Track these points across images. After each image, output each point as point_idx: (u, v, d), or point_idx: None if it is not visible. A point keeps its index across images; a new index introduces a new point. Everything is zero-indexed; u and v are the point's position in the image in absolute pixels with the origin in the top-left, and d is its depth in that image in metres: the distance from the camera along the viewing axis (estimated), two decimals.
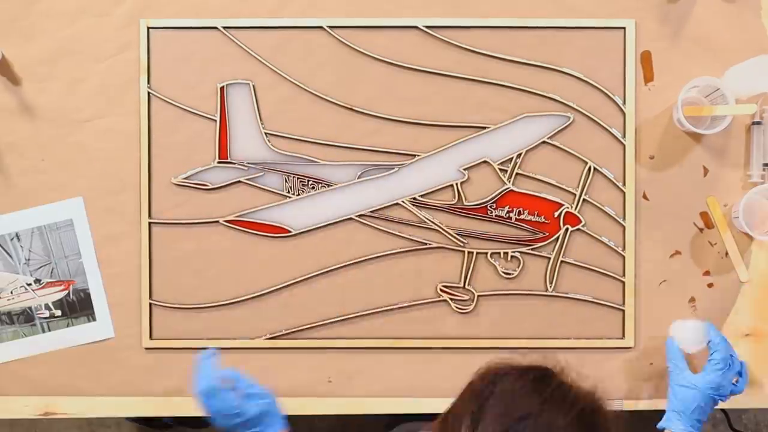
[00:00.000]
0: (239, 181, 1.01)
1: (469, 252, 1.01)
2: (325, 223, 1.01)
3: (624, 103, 1.01)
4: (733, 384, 0.92)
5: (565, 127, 1.01)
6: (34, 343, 1.02)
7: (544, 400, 0.62)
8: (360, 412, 1.02)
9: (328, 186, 1.01)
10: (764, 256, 1.02)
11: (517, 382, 0.64)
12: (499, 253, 1.01)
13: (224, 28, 1.01)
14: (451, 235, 1.01)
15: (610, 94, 1.01)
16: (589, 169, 1.01)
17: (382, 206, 1.01)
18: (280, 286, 1.01)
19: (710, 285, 1.02)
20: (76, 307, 1.02)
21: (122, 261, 1.01)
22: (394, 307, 1.01)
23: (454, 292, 1.01)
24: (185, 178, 1.01)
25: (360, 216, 1.01)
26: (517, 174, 1.01)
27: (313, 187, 1.01)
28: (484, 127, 1.01)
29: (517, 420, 0.60)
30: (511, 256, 1.01)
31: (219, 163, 1.01)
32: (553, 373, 0.67)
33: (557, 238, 1.01)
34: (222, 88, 1.01)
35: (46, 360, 1.02)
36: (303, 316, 1.01)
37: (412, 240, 1.01)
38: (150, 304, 1.01)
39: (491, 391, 0.63)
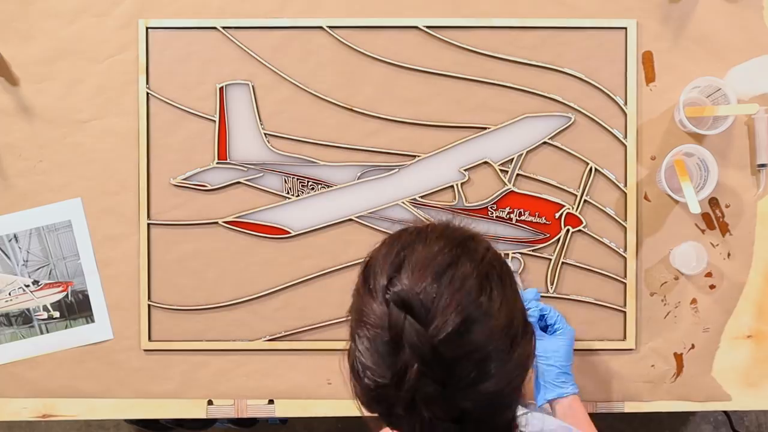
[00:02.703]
0: (238, 182, 1.01)
1: None
2: (325, 224, 1.01)
3: (625, 103, 1.00)
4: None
5: (566, 127, 1.01)
6: (32, 344, 1.02)
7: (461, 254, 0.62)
8: (359, 414, 1.01)
9: (328, 187, 1.01)
10: (765, 257, 1.01)
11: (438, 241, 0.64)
12: None
13: (223, 28, 1.00)
14: None
15: (611, 95, 1.01)
16: (590, 169, 1.01)
17: (382, 207, 1.01)
18: (280, 287, 1.01)
19: (712, 287, 1.01)
20: (75, 308, 1.01)
21: (121, 262, 1.01)
22: None
23: None
24: (184, 179, 1.01)
25: (360, 217, 1.01)
26: (517, 175, 1.01)
27: (313, 188, 1.01)
28: (485, 128, 1.01)
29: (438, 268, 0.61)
30: (512, 258, 1.01)
31: (218, 163, 1.01)
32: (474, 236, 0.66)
33: (558, 239, 1.01)
34: (221, 89, 1.01)
35: (45, 362, 1.02)
36: (302, 318, 1.01)
37: None
38: (149, 306, 1.01)
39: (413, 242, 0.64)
